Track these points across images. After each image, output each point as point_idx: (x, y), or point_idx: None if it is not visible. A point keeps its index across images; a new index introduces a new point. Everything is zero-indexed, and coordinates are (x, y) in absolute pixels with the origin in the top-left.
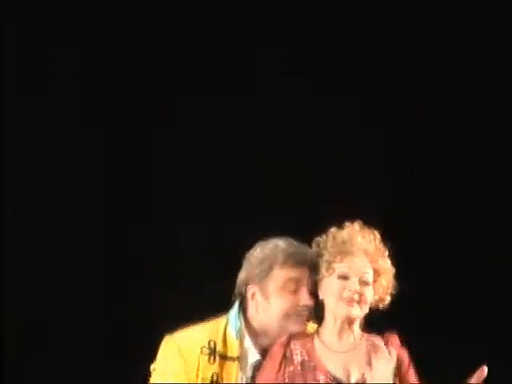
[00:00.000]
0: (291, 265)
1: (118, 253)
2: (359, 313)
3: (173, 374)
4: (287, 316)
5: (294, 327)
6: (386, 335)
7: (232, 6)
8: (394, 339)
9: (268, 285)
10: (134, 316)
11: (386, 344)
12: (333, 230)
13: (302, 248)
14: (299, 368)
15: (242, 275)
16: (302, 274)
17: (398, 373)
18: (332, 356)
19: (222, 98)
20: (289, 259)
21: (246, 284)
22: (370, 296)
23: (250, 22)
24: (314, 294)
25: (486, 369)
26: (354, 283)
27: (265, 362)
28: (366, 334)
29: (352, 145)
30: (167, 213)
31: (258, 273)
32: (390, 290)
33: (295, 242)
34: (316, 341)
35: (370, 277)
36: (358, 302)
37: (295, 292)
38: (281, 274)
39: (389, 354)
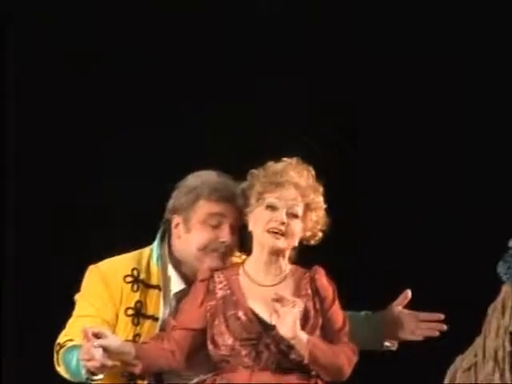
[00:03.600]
0: (216, 199)
1: None
2: (284, 245)
3: (96, 298)
4: (205, 250)
5: (210, 262)
6: (312, 269)
7: None
8: (320, 273)
9: (191, 216)
10: None
11: (312, 279)
12: (270, 163)
13: (230, 184)
14: (221, 303)
15: (169, 204)
16: (227, 209)
17: (321, 307)
18: (256, 290)
19: None
20: (215, 193)
21: (173, 213)
22: (298, 229)
23: None
24: (237, 231)
25: (409, 292)
26: (280, 214)
27: (187, 297)
28: (293, 267)
29: None
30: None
31: (183, 203)
32: (320, 227)
33: (225, 178)
34: (241, 272)
35: (299, 209)
36: (284, 234)
37: (217, 227)
38: (205, 208)
39: (309, 291)
